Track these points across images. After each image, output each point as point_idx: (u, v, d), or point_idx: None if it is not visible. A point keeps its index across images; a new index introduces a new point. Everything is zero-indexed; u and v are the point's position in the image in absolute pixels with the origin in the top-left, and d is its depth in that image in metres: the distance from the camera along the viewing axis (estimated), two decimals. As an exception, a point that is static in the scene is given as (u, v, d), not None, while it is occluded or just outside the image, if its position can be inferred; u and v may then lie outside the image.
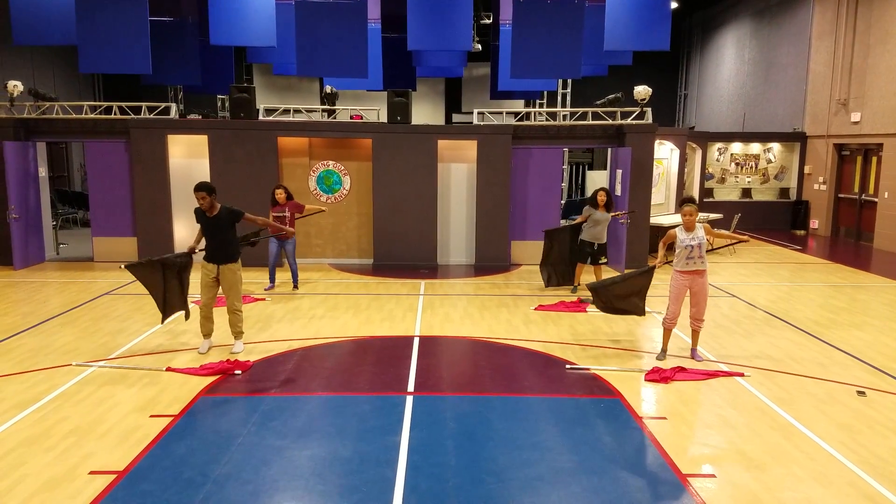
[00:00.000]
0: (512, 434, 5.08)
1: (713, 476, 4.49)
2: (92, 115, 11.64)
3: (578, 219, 9.70)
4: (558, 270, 9.91)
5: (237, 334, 7.00)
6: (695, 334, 6.87)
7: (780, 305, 9.21)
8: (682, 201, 6.71)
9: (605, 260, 9.73)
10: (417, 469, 4.53)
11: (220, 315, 8.22)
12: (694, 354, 6.85)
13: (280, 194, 9.52)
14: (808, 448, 4.91)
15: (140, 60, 10.72)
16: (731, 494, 4.26)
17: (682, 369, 6.41)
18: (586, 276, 9.86)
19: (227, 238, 6.77)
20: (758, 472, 4.55)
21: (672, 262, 6.77)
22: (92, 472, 4.44)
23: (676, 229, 6.68)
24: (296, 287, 9.86)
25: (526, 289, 10.16)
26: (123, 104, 11.73)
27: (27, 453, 4.69)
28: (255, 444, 4.87)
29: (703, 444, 4.98)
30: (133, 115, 11.62)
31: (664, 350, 6.90)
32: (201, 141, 11.58)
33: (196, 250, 7.01)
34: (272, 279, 9.86)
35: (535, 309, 8.87)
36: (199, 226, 6.86)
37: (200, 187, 6.62)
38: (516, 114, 12.40)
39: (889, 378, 6.41)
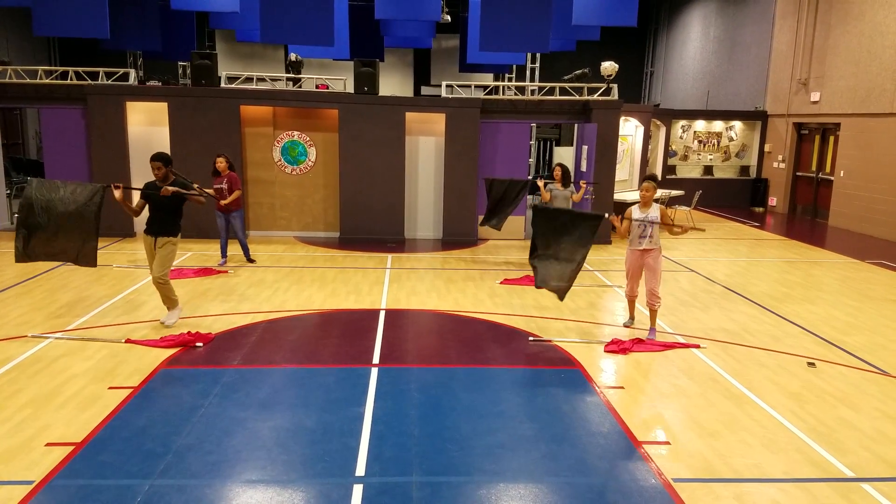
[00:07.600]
0: (475, 404, 5.16)
1: (667, 443, 4.65)
2: (47, 81, 11.19)
3: (544, 197, 9.68)
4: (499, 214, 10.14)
5: (168, 306, 6.85)
6: (652, 314, 6.83)
7: (737, 280, 9.47)
8: (644, 178, 6.79)
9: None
10: (381, 438, 4.58)
11: (182, 286, 8.11)
12: (650, 333, 6.80)
13: (221, 163, 9.16)
14: (759, 416, 5.11)
15: (97, 24, 10.28)
16: (685, 461, 4.42)
17: (639, 341, 6.57)
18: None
19: (171, 211, 6.62)
20: (710, 439, 4.72)
21: (618, 227, 6.72)
22: (49, 444, 4.37)
23: (633, 206, 6.77)
24: (249, 260, 9.68)
25: (492, 263, 10.24)
26: (80, 69, 11.30)
27: (-19, 426, 4.59)
28: (217, 416, 4.84)
29: (658, 413, 5.13)
30: (90, 81, 11.21)
31: (632, 317, 7.17)
32: (161, 108, 11.25)
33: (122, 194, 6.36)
34: (223, 254, 9.65)
35: (501, 283, 8.95)
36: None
37: (157, 157, 6.53)
38: (485, 87, 12.32)
39: (838, 350, 6.68)
